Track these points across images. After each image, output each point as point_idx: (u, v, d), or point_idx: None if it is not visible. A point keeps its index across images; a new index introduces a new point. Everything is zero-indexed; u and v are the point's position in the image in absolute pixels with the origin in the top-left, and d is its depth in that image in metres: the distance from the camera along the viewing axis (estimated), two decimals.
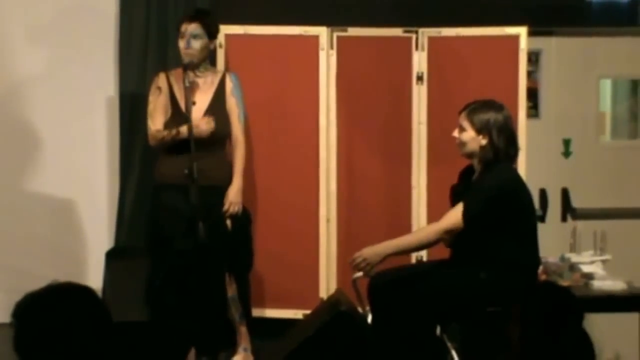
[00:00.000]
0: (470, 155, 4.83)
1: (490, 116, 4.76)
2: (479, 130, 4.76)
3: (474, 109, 4.81)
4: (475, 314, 4.79)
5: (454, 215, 4.71)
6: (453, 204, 4.89)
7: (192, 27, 5.33)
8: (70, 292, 2.64)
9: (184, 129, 5.20)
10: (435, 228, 4.77)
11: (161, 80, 5.43)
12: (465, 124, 4.80)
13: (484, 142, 4.76)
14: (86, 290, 2.66)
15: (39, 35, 6.24)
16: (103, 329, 2.61)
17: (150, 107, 5.41)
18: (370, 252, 4.75)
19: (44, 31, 6.24)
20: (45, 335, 2.56)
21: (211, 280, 5.31)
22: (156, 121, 5.36)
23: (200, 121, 5.24)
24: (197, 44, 5.33)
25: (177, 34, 5.39)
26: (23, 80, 6.24)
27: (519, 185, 4.85)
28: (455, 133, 4.84)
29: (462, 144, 4.81)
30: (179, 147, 5.23)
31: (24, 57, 6.24)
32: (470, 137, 4.78)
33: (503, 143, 4.75)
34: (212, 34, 5.40)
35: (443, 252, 4.96)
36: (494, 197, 4.70)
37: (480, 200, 4.68)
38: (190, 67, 5.32)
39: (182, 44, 5.34)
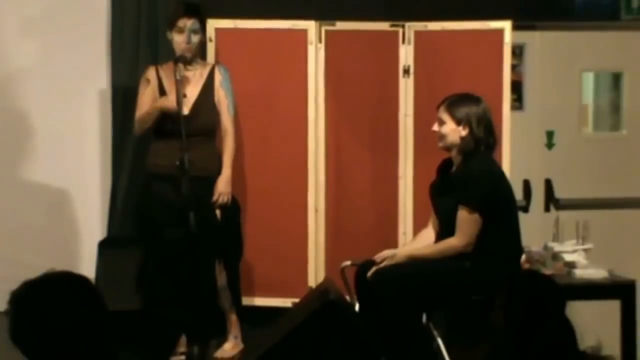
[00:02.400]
0: (450, 148, 4.90)
1: (469, 107, 4.84)
2: (459, 122, 4.84)
3: (452, 102, 4.89)
4: (460, 302, 4.86)
5: (468, 230, 4.80)
6: (433, 201, 4.99)
7: (191, 23, 5.35)
8: (67, 281, 2.64)
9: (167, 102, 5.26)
10: (455, 247, 4.82)
11: (150, 73, 5.46)
12: (445, 116, 4.87)
13: (464, 132, 4.84)
14: (82, 279, 2.66)
15: (31, 28, 6.23)
16: (98, 317, 2.61)
17: (139, 99, 5.44)
18: (391, 254, 4.87)
19: (36, 23, 6.23)
20: (41, 323, 2.55)
21: (201, 270, 5.34)
22: (143, 111, 5.42)
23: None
24: (196, 39, 5.38)
25: (171, 27, 5.39)
26: (15, 72, 6.23)
27: (501, 176, 4.95)
28: (435, 127, 4.91)
29: (442, 136, 4.88)
30: (170, 137, 5.28)
31: (17, 49, 6.23)
32: (450, 129, 4.86)
33: (483, 133, 4.83)
34: (205, 28, 5.48)
35: None
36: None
37: (478, 186, 4.78)
38: (184, 60, 5.35)
39: (180, 38, 5.35)
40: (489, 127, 4.86)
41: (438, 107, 4.91)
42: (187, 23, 5.36)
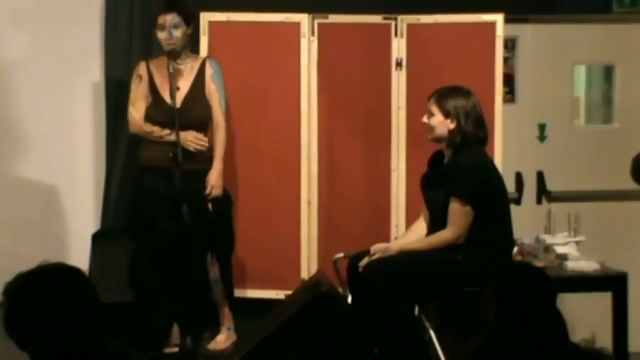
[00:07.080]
0: (438, 140, 4.92)
1: (458, 101, 4.86)
2: (447, 115, 4.86)
3: (442, 94, 4.91)
4: (452, 294, 4.88)
5: (460, 222, 4.81)
6: (424, 193, 5.01)
7: (170, 18, 5.32)
8: (60, 273, 2.68)
9: (171, 137, 5.27)
10: (447, 239, 4.83)
11: (141, 68, 5.46)
12: (434, 109, 4.89)
13: (452, 125, 4.85)
14: (75, 271, 2.70)
15: (24, 20, 6.22)
16: (91, 309, 2.65)
17: (132, 95, 5.44)
18: (383, 247, 4.89)
19: (30, 16, 6.22)
20: (34, 314, 2.59)
21: (194, 262, 5.36)
22: (138, 108, 5.40)
23: (189, 135, 5.32)
24: (178, 33, 5.34)
25: (154, 25, 5.37)
26: (8, 65, 6.22)
27: (493, 169, 4.96)
28: (425, 118, 4.93)
29: (431, 128, 4.90)
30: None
31: (9, 42, 6.22)
32: (438, 122, 4.87)
33: (471, 126, 4.84)
34: (188, 20, 5.40)
35: None
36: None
37: (469, 178, 4.79)
38: (173, 55, 5.36)
39: (163, 35, 5.33)
40: (478, 121, 4.87)
41: (429, 99, 4.93)
42: (167, 19, 5.33)
